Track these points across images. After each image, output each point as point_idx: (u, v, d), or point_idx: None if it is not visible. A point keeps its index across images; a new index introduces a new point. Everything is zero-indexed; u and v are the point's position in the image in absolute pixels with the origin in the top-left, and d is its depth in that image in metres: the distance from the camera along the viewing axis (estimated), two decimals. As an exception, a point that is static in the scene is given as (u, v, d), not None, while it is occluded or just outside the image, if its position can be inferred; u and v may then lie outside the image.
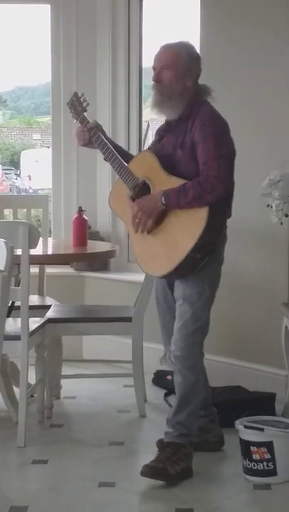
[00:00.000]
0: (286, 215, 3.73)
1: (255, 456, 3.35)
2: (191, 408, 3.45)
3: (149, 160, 3.47)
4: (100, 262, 5.40)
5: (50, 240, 5.03)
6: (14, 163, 13.37)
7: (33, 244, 3.73)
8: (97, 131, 3.62)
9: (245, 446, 3.39)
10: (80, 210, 4.54)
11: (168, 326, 3.58)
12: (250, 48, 4.41)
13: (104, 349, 4.99)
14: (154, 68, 3.47)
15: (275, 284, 4.35)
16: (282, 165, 3.80)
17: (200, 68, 3.47)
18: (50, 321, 4.16)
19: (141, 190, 3.47)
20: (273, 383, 4.25)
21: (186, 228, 3.28)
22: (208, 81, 3.52)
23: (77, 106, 3.69)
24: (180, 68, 3.40)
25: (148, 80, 5.26)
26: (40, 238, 3.87)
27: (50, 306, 4.51)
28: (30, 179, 12.77)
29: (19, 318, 3.78)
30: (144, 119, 5.51)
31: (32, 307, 3.94)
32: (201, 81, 3.49)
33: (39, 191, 10.75)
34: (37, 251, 3.99)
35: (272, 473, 3.34)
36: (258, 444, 3.34)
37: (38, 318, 4.09)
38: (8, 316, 3.88)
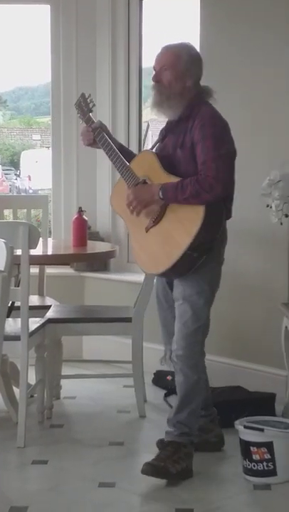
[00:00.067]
0: (286, 216, 3.73)
1: (255, 457, 3.35)
2: (192, 407, 3.46)
3: (149, 159, 3.49)
4: (100, 263, 5.40)
5: (50, 241, 5.03)
6: (14, 163, 13.37)
7: (32, 244, 3.73)
8: (101, 131, 3.64)
9: (245, 447, 3.39)
10: (80, 211, 4.54)
11: (169, 326, 3.58)
12: (250, 47, 4.42)
13: (104, 349, 4.99)
14: (154, 68, 3.49)
15: (274, 284, 4.35)
16: (282, 165, 3.80)
17: (201, 69, 3.48)
18: (50, 321, 4.16)
19: None
20: (273, 383, 4.25)
21: (184, 226, 3.29)
22: (208, 81, 3.53)
23: (83, 107, 3.73)
24: (179, 69, 3.42)
25: (148, 81, 5.26)
26: (40, 238, 3.87)
27: (50, 306, 4.51)
28: (30, 179, 12.77)
29: (19, 319, 3.78)
30: (143, 119, 5.52)
31: (32, 307, 3.94)
32: (200, 81, 3.49)
33: (39, 192, 10.76)
34: (37, 251, 3.99)
35: (272, 473, 3.34)
36: (258, 445, 3.34)
37: (37, 319, 4.09)
38: (8, 317, 3.88)
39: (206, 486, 3.35)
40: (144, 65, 5.38)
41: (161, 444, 3.48)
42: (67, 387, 4.54)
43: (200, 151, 3.30)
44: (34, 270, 4.57)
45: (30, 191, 12.06)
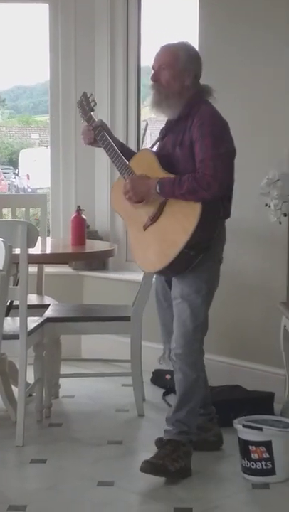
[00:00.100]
0: (285, 215, 3.73)
1: (254, 456, 3.35)
2: (191, 406, 3.46)
3: (147, 158, 3.50)
4: (99, 261, 5.40)
5: (48, 239, 5.03)
6: (13, 162, 13.37)
7: (31, 243, 3.73)
8: (101, 129, 3.65)
9: (244, 446, 3.39)
10: (79, 210, 4.54)
11: (168, 325, 3.59)
12: (249, 47, 4.41)
13: (103, 348, 4.99)
14: (153, 68, 3.51)
15: (273, 284, 4.36)
16: (281, 164, 3.80)
17: (200, 68, 3.48)
18: (48, 320, 4.16)
19: None
20: (272, 382, 4.25)
21: (181, 225, 3.30)
22: (207, 80, 3.53)
23: (85, 106, 3.75)
24: (177, 68, 3.42)
25: (146, 79, 5.25)
26: (39, 237, 3.87)
27: (49, 305, 4.51)
28: (28, 178, 12.77)
29: (18, 318, 3.78)
30: (142, 118, 5.52)
31: (30, 306, 3.94)
32: (200, 80, 3.49)
33: (37, 190, 10.75)
34: (35, 250, 3.99)
35: (271, 472, 3.34)
36: (257, 444, 3.34)
37: (36, 318, 4.09)
38: (6, 316, 3.88)
39: (205, 485, 3.35)
40: (142, 64, 5.38)
41: (160, 442, 3.48)
42: (66, 386, 4.54)
43: (198, 150, 3.31)
44: (33, 269, 4.56)
45: (29, 190, 12.06)
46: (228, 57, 4.50)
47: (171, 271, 3.41)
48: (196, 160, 3.32)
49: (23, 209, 5.15)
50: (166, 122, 3.58)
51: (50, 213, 5.56)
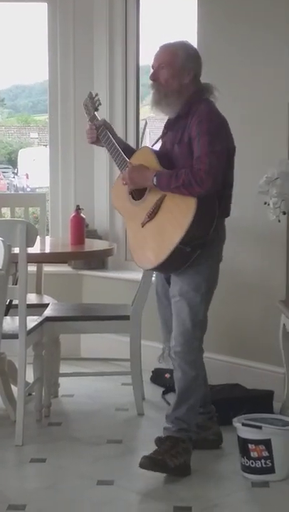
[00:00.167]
0: (284, 213, 3.73)
1: (253, 454, 3.35)
2: (190, 403, 3.46)
3: (147, 155, 3.53)
4: (98, 261, 5.40)
5: (47, 239, 5.03)
6: (12, 161, 13.37)
7: (30, 242, 3.73)
8: (104, 128, 3.70)
9: (243, 444, 3.39)
10: (78, 209, 4.54)
11: (168, 322, 3.59)
12: (248, 46, 4.41)
13: (102, 347, 4.99)
14: (152, 67, 3.53)
15: (272, 282, 4.36)
16: (280, 163, 3.80)
17: (200, 67, 3.50)
18: (48, 319, 4.16)
19: None
20: (271, 381, 4.25)
21: (176, 221, 3.32)
22: (205, 80, 3.53)
23: (90, 105, 3.79)
24: (176, 67, 3.44)
25: (145, 78, 5.25)
26: (38, 237, 3.87)
27: (48, 304, 4.51)
28: (27, 178, 12.77)
29: (17, 317, 3.78)
30: (141, 117, 5.51)
31: (30, 306, 3.94)
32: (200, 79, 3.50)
33: (37, 190, 10.75)
34: (35, 249, 3.99)
35: (270, 470, 3.35)
36: (256, 442, 3.35)
37: (35, 317, 4.09)
38: (6, 315, 3.88)
39: (204, 484, 3.35)
40: (141, 63, 5.38)
41: (159, 441, 3.48)
42: (65, 385, 4.54)
43: (196, 147, 3.33)
44: (32, 268, 4.57)
45: (28, 189, 12.06)
46: (227, 56, 4.50)
47: (168, 267, 3.42)
48: (194, 157, 3.33)
49: (23, 208, 5.15)
50: (167, 120, 3.60)
51: (49, 212, 5.56)
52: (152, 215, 3.43)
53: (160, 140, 3.63)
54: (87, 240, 4.60)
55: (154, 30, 5.91)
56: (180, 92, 3.44)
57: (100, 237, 5.34)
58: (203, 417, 3.67)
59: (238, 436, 3.43)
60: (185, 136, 3.40)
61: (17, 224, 3.72)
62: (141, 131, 5.43)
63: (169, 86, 3.44)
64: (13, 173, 13.26)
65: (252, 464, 3.36)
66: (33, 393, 4.12)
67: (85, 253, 4.61)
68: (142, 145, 5.51)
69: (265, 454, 3.33)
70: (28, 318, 3.85)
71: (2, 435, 3.87)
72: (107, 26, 5.33)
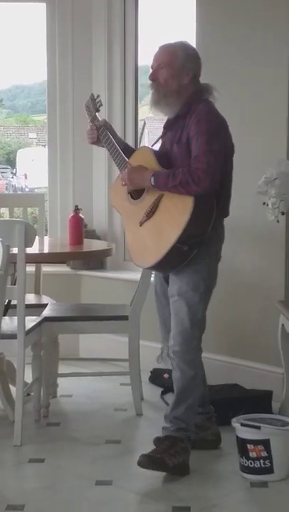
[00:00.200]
0: (282, 213, 3.73)
1: (252, 454, 3.35)
2: (188, 403, 3.47)
3: (146, 155, 3.55)
4: (96, 261, 5.40)
5: (46, 239, 5.03)
6: (10, 161, 13.39)
7: (29, 243, 3.73)
8: (104, 129, 3.72)
9: (242, 444, 3.39)
10: (76, 209, 4.54)
11: (167, 322, 3.59)
12: (246, 46, 4.41)
13: (101, 347, 4.99)
14: (152, 67, 3.54)
15: (271, 282, 4.36)
16: (279, 163, 3.80)
17: (199, 67, 3.51)
18: (46, 319, 4.16)
19: None
20: (270, 381, 4.25)
21: (174, 220, 3.33)
22: (204, 79, 3.54)
23: (91, 107, 3.82)
24: (175, 67, 3.45)
25: (144, 79, 5.25)
26: (36, 237, 3.87)
27: (47, 304, 4.51)
28: (26, 178, 12.79)
29: (15, 317, 3.78)
30: (140, 117, 5.51)
31: (28, 306, 3.94)
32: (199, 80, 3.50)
33: (35, 190, 10.77)
34: (33, 249, 3.99)
35: (269, 471, 3.34)
36: (255, 442, 3.35)
37: (34, 317, 4.09)
38: (4, 315, 3.88)
39: (203, 484, 3.35)
40: (140, 63, 5.38)
41: (158, 441, 3.48)
42: (64, 385, 4.54)
43: (194, 146, 3.34)
44: (30, 268, 4.57)
45: (27, 189, 12.07)
46: (225, 56, 4.50)
47: (166, 266, 3.43)
48: (192, 156, 3.33)
49: (21, 208, 5.15)
50: (166, 121, 3.61)
51: (48, 213, 5.56)
52: (150, 214, 3.44)
53: (160, 140, 3.64)
54: (85, 240, 4.60)
55: (153, 30, 5.92)
56: (179, 92, 3.45)
57: (98, 238, 5.34)
58: (202, 417, 3.67)
59: (237, 437, 3.43)
60: (184, 136, 3.41)
61: (16, 224, 3.72)
62: (139, 131, 5.43)
63: (168, 86, 3.45)
64: (11, 173, 13.27)
65: (251, 464, 3.36)
66: (32, 393, 4.12)
67: (83, 253, 4.61)
68: (141, 145, 5.51)
69: (264, 454, 3.33)
70: (27, 318, 3.84)
71: (1, 435, 3.87)
72: (105, 26, 5.33)
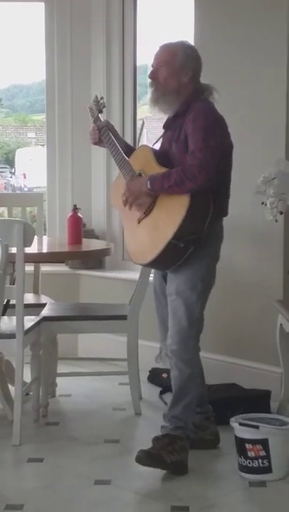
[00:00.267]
0: (281, 213, 3.73)
1: (250, 454, 3.35)
2: (186, 401, 3.47)
3: (145, 154, 3.57)
4: (95, 260, 5.40)
5: (45, 238, 5.03)
6: (9, 161, 13.37)
7: (27, 242, 3.73)
8: (106, 129, 3.74)
9: (241, 444, 3.40)
10: (75, 208, 4.54)
11: (166, 322, 3.60)
12: (245, 46, 4.41)
13: (100, 347, 4.99)
14: (152, 66, 3.55)
15: (269, 282, 4.36)
16: (277, 162, 3.80)
17: (199, 66, 3.52)
18: (45, 319, 4.17)
19: None
20: (268, 381, 4.26)
21: (170, 217, 3.34)
22: (203, 79, 3.54)
23: (94, 108, 3.84)
24: (175, 66, 3.47)
25: (142, 78, 5.26)
26: (35, 236, 3.87)
27: (46, 304, 4.51)
28: (25, 177, 12.77)
29: (14, 317, 3.78)
30: (138, 117, 5.51)
31: (27, 305, 3.94)
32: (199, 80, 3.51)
33: (34, 189, 10.75)
34: (32, 249, 3.99)
35: (268, 470, 3.35)
36: (253, 442, 3.35)
37: (33, 317, 4.09)
38: (3, 315, 3.88)
39: (202, 484, 3.36)
40: (138, 63, 5.38)
41: (156, 440, 3.49)
42: (63, 385, 4.54)
43: (190, 143, 3.36)
44: (29, 268, 4.56)
45: (25, 189, 12.06)
46: (224, 56, 4.50)
47: (162, 263, 3.44)
48: (188, 152, 3.34)
49: (20, 208, 5.15)
50: (166, 120, 3.62)
51: (47, 212, 5.56)
52: (148, 211, 3.45)
53: (160, 139, 3.66)
54: (84, 240, 4.60)
55: (152, 30, 5.91)
56: (178, 91, 3.47)
57: (97, 237, 5.34)
58: (201, 417, 3.67)
59: (236, 436, 3.43)
60: (182, 135, 3.42)
61: (14, 224, 3.72)
62: (138, 131, 5.42)
63: (167, 85, 3.47)
64: (10, 172, 13.26)
65: (249, 463, 3.36)
66: (31, 393, 4.12)
67: (82, 253, 4.61)
68: (139, 145, 5.50)
69: (263, 453, 3.34)
70: (26, 317, 3.85)
71: (0, 435, 3.88)
72: (104, 26, 5.33)
